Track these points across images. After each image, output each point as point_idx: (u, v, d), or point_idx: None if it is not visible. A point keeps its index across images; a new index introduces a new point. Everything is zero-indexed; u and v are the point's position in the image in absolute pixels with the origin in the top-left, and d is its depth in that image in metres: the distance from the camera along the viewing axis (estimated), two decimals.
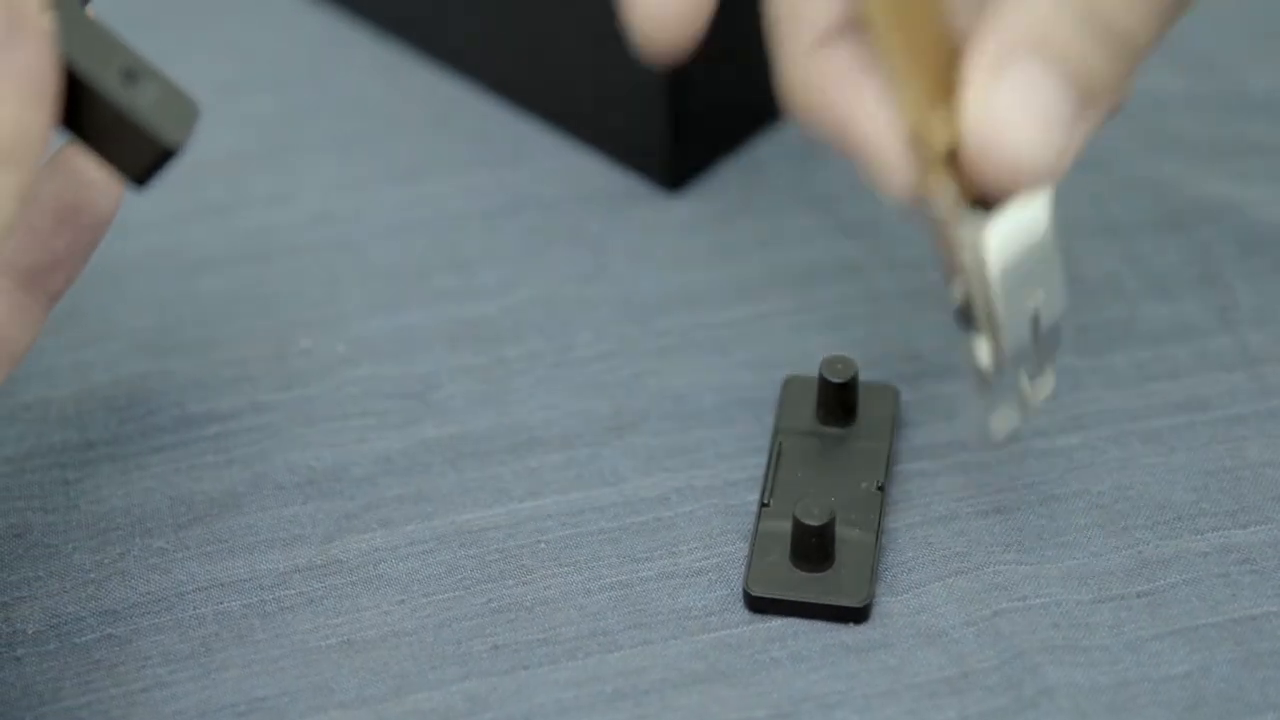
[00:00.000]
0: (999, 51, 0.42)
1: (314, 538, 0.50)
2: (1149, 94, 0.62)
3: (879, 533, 0.49)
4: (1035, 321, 0.45)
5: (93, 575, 0.50)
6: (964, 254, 0.44)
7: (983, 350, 0.45)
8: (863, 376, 0.53)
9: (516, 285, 0.57)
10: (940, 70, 0.43)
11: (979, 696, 0.47)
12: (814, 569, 0.48)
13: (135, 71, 0.42)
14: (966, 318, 0.45)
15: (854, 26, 0.43)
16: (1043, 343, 0.46)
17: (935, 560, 0.49)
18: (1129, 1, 0.43)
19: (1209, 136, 0.60)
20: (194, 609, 0.49)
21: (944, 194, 0.43)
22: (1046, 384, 0.47)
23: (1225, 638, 0.48)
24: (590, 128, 0.60)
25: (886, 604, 0.49)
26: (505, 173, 0.60)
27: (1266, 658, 0.47)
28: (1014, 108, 0.42)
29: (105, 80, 0.42)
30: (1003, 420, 0.47)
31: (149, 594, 0.49)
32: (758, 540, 0.49)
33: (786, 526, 0.49)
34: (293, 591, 0.49)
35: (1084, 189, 0.59)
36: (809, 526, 0.48)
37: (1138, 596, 0.49)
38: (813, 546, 0.48)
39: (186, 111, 0.43)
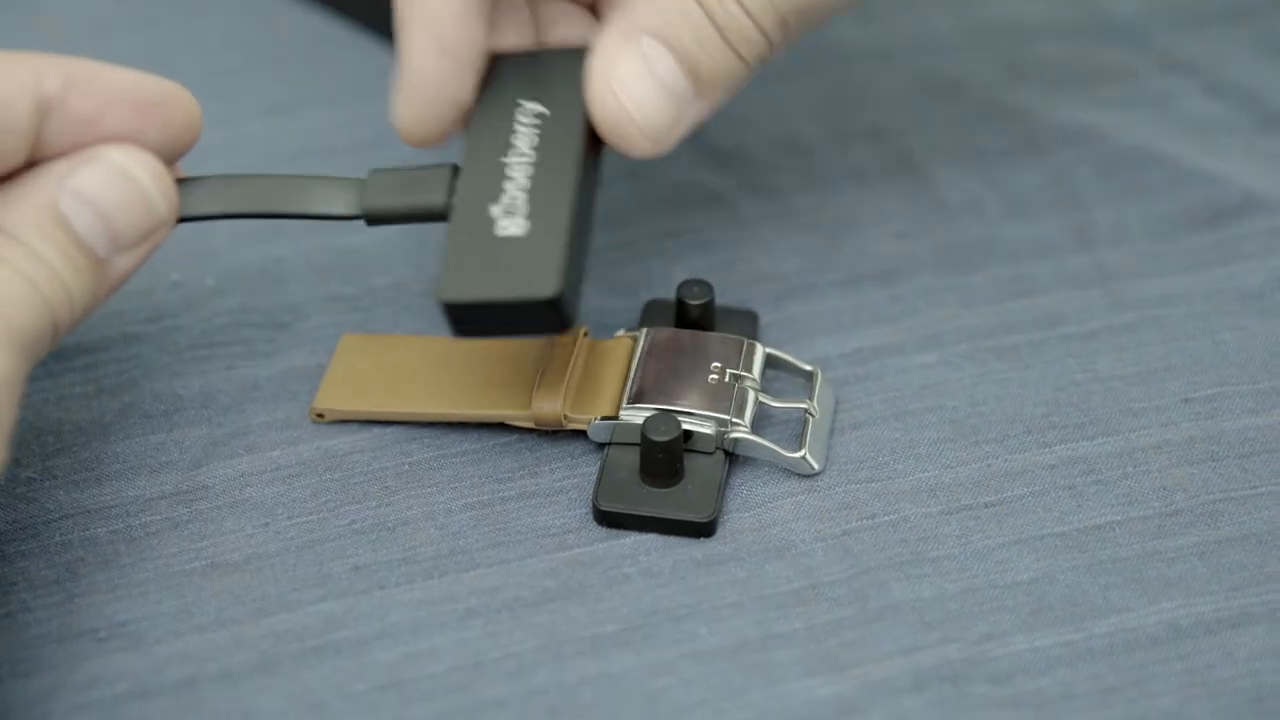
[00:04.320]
0: (626, 30, 0.47)
1: (180, 464, 0.51)
2: (1010, 20, 0.62)
3: (729, 451, 0.50)
4: None
5: None
6: None
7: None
8: (725, 300, 0.54)
9: None
10: None
11: (826, 607, 0.48)
12: (663, 484, 0.49)
13: None
14: None
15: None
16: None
17: (787, 476, 0.50)
18: (756, 8, 0.47)
19: (1068, 62, 0.61)
20: (60, 535, 0.49)
21: None
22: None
23: (1070, 546, 0.49)
24: None
25: (738, 519, 0.49)
26: (376, 106, 0.60)
27: (1109, 564, 0.48)
28: (635, 76, 0.47)
29: None
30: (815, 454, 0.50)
31: (15, 522, 0.50)
32: (609, 456, 0.50)
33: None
34: (158, 517, 0.50)
35: (945, 114, 0.60)
36: (656, 443, 0.48)
37: (985, 507, 0.49)
38: (660, 463, 0.49)
39: None
